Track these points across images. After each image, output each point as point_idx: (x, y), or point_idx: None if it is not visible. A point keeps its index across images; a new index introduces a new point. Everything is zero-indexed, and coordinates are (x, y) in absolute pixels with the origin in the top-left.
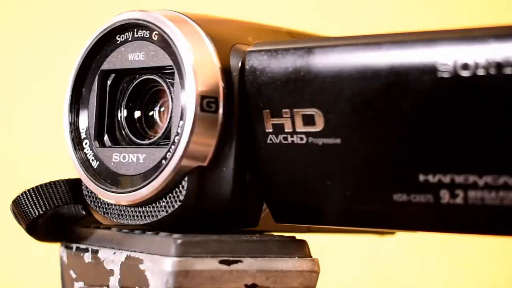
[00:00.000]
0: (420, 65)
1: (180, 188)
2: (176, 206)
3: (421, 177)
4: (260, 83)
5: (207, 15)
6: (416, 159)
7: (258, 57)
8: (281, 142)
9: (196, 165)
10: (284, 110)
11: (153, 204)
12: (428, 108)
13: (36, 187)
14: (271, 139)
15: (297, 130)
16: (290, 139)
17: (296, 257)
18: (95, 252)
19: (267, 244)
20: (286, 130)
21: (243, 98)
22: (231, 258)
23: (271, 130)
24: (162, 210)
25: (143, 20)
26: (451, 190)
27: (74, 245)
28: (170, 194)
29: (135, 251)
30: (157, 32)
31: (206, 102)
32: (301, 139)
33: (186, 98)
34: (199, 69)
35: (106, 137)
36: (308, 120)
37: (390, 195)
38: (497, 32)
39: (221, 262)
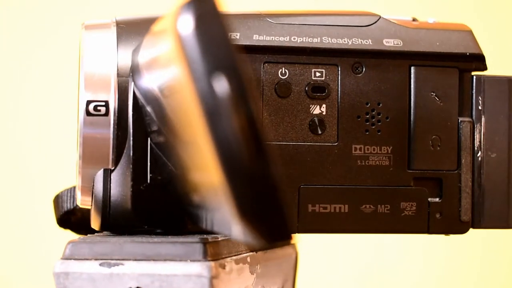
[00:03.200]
0: None
1: (92, 191)
2: (92, 209)
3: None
4: (137, 81)
5: (141, 17)
6: None
7: (137, 53)
8: (156, 141)
9: (101, 167)
10: (147, 107)
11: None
12: None
13: (72, 187)
14: (153, 138)
15: (153, 129)
16: (157, 138)
17: (188, 261)
18: None
19: (156, 247)
20: (152, 129)
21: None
22: (112, 261)
23: (149, 130)
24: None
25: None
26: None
27: None
28: (91, 197)
29: None
30: None
31: (94, 106)
32: (158, 137)
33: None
34: (90, 74)
35: None
36: (151, 117)
37: (191, 197)
38: None
39: (102, 264)
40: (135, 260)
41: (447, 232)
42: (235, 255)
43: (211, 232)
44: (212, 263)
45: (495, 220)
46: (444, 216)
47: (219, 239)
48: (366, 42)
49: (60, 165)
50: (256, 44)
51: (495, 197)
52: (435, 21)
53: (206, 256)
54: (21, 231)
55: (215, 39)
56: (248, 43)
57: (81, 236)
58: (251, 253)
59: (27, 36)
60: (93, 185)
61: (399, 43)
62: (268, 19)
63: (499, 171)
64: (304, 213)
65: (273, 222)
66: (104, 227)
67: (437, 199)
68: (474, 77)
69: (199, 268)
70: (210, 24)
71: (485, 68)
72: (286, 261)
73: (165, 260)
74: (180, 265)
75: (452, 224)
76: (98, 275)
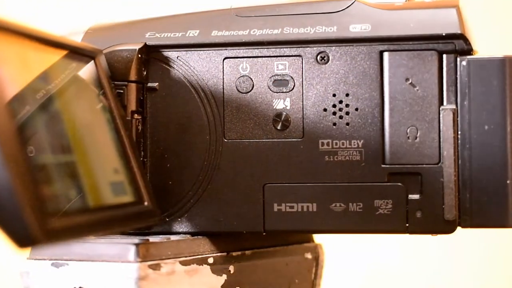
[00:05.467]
0: None
1: None
2: None
3: None
4: None
5: (113, 23)
6: None
7: None
8: None
9: None
10: None
11: None
12: None
13: None
14: None
15: None
16: None
17: (120, 262)
18: None
19: (96, 248)
20: None
21: None
22: (61, 261)
23: None
24: None
25: None
26: None
27: None
28: None
29: None
30: None
31: None
32: None
33: None
34: None
35: None
36: None
37: None
38: None
39: (53, 265)
40: (80, 260)
41: (429, 231)
42: (186, 256)
43: (177, 233)
44: (140, 264)
45: (487, 219)
46: (425, 215)
47: (167, 240)
48: (331, 29)
49: None
50: (214, 40)
51: (487, 193)
52: (429, 0)
53: (137, 257)
54: None
55: None
56: (205, 40)
57: None
58: (221, 253)
59: None
60: None
61: (367, 28)
62: (235, 14)
63: (490, 163)
64: (270, 213)
65: (12, 227)
66: None
67: (416, 196)
68: (458, 59)
69: (126, 270)
70: None
71: (469, 49)
72: (294, 261)
73: (102, 260)
74: (113, 266)
75: (435, 223)
76: (49, 274)
